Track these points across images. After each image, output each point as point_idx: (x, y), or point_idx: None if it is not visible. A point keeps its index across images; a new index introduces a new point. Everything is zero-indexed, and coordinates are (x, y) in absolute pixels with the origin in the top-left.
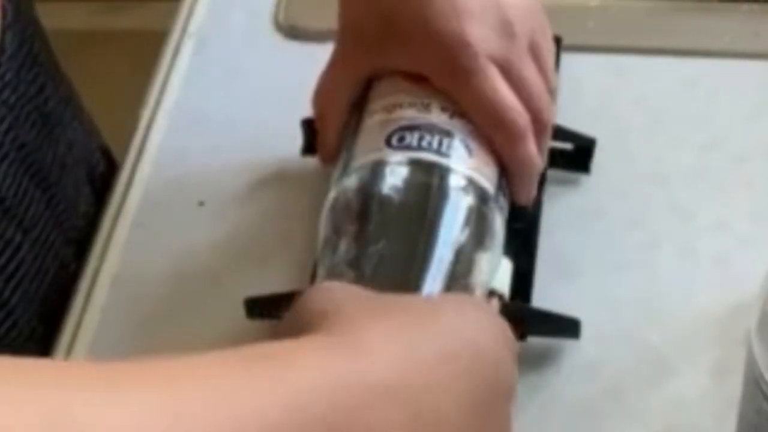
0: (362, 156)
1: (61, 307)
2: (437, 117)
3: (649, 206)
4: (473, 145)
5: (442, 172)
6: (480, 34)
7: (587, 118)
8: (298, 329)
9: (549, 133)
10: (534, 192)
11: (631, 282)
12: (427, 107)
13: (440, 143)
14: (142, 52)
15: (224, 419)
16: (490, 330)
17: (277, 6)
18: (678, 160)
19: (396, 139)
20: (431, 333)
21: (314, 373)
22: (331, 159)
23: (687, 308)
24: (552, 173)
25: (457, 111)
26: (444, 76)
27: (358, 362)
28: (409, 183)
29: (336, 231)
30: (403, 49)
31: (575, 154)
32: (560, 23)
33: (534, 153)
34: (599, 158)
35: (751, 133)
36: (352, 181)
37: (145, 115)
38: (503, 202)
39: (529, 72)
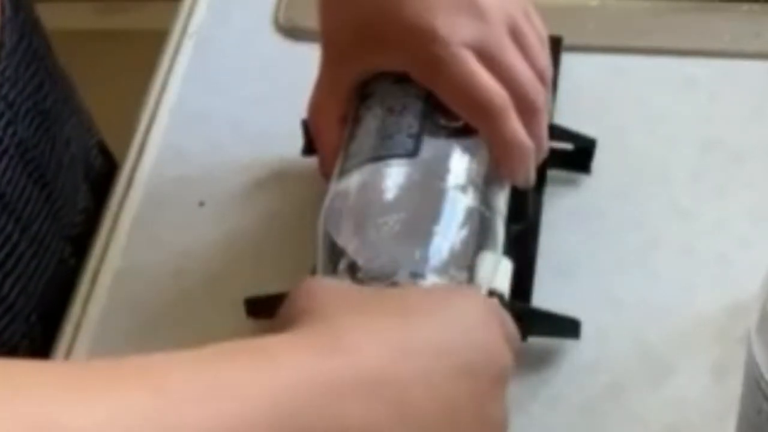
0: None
1: (59, 304)
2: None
3: (649, 206)
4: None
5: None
6: (451, 24)
7: (587, 118)
8: (286, 329)
9: (542, 115)
10: (531, 173)
11: (631, 282)
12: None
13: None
14: (142, 52)
15: (201, 418)
16: (479, 318)
17: (277, 6)
18: (678, 160)
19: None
20: (416, 327)
21: (289, 372)
22: (329, 174)
23: (687, 308)
24: (552, 173)
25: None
26: (420, 70)
27: (334, 360)
28: (406, 183)
29: (334, 231)
30: (380, 51)
31: (575, 154)
32: (560, 23)
33: (518, 132)
34: (599, 158)
35: (751, 133)
36: (350, 182)
37: (145, 115)
38: (504, 202)
39: (509, 55)
